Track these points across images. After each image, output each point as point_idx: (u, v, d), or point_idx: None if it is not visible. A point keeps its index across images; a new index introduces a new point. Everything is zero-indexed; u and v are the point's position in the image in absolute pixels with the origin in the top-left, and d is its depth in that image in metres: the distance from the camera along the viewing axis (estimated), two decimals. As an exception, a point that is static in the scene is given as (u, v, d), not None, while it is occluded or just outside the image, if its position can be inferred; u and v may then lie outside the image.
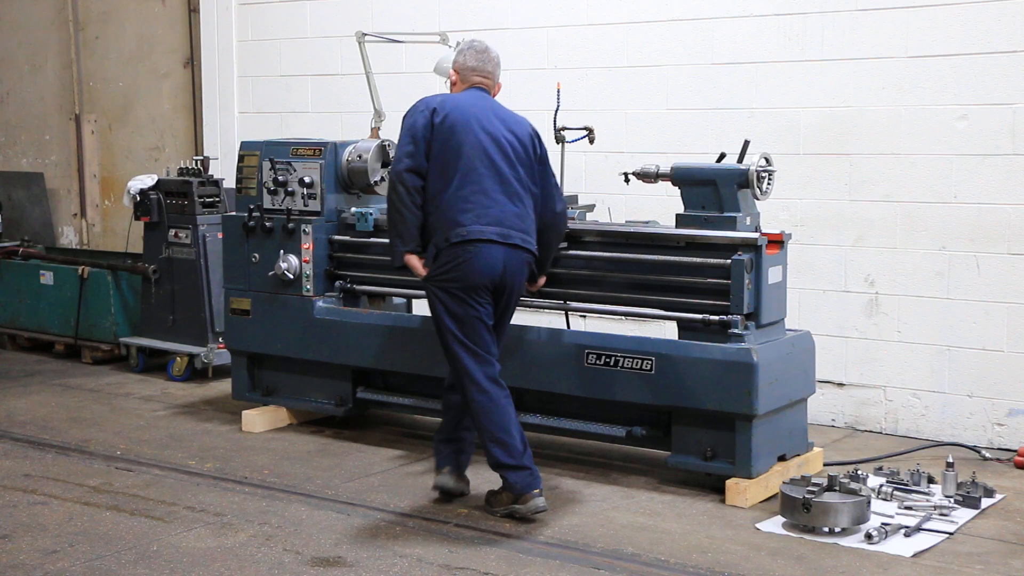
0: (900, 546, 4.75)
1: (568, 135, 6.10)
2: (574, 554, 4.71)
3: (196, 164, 7.97)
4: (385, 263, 6.29)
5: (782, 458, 5.53)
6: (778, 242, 5.47)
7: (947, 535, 4.89)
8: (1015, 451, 6.04)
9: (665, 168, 5.58)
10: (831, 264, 6.62)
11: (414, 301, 6.72)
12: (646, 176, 5.65)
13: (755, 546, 4.80)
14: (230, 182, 7.17)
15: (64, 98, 10.23)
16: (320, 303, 6.41)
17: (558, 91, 6.19)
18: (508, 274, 5.11)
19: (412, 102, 4.93)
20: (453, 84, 5.41)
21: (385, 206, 6.53)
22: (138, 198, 7.94)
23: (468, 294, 5.06)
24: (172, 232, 7.88)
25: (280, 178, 6.42)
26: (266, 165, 6.48)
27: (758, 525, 5.03)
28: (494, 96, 5.39)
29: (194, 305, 7.82)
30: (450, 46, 6.51)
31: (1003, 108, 6.10)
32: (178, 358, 7.84)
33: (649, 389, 5.44)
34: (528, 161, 5.25)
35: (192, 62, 9.33)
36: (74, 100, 10.13)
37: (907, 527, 4.91)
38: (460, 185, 5.07)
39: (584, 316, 6.80)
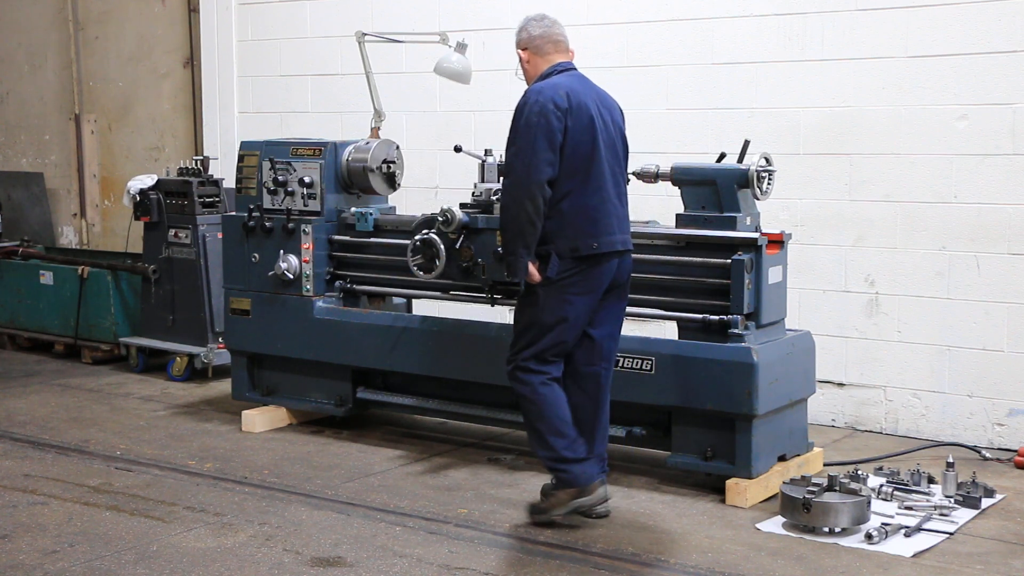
0: (900, 546, 4.75)
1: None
2: (574, 554, 4.70)
3: (196, 164, 7.97)
4: (386, 263, 6.30)
5: (782, 458, 5.53)
6: (778, 242, 5.47)
7: (947, 535, 4.89)
8: (1015, 451, 6.04)
9: (665, 168, 5.57)
10: (831, 264, 6.62)
11: (414, 301, 6.71)
12: (646, 176, 5.64)
13: (755, 546, 4.79)
14: (230, 182, 7.17)
15: (64, 98, 10.23)
16: (320, 303, 6.41)
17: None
18: (619, 274, 5.00)
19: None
20: (526, 63, 5.07)
21: (385, 206, 6.60)
22: (138, 198, 7.94)
23: (577, 295, 4.87)
24: (172, 232, 7.88)
25: (280, 178, 6.42)
26: (266, 165, 6.48)
27: (758, 525, 5.02)
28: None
29: (194, 305, 7.81)
30: (450, 46, 6.51)
31: (1003, 108, 6.10)
32: (178, 358, 7.84)
33: (649, 389, 5.44)
34: (626, 150, 5.12)
35: (192, 62, 9.33)
36: (74, 100, 10.13)
37: (907, 527, 4.91)
38: (585, 191, 4.83)
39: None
